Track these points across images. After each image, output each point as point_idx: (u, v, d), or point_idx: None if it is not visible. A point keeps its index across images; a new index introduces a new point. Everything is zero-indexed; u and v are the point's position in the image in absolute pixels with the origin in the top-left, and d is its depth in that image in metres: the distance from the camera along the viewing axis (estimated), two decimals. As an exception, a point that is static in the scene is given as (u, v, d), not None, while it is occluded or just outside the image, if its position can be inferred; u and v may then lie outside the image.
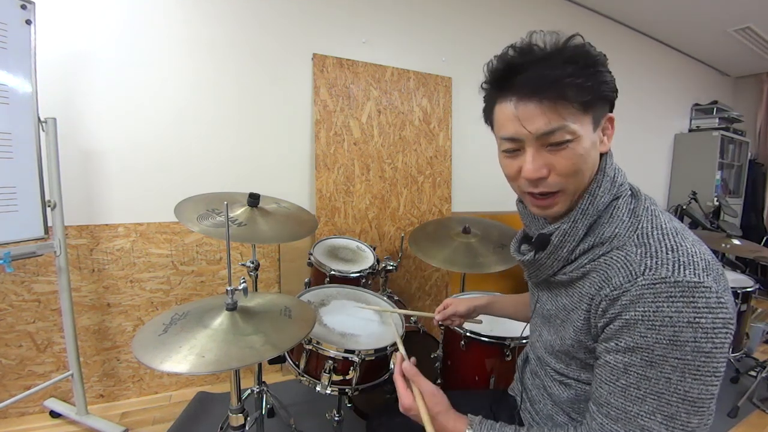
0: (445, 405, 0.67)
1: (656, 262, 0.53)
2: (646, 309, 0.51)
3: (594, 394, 0.59)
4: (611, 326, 0.55)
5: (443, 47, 2.40)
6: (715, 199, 3.65)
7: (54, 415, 1.61)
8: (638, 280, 0.52)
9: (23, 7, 1.24)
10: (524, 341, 1.18)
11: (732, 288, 1.92)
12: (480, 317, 1.11)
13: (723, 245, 2.18)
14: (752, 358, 2.35)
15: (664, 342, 0.49)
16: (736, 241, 2.19)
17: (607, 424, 0.55)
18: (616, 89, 0.60)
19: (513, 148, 0.61)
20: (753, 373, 2.14)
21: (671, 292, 0.50)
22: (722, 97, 4.24)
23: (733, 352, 2.02)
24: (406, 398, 0.67)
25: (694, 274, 0.50)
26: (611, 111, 0.62)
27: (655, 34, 3.49)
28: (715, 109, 3.91)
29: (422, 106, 2.33)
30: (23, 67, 1.25)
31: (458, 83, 2.43)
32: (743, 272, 2.75)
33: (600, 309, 0.56)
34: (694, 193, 3.41)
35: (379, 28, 2.20)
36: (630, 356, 0.52)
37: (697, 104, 4.07)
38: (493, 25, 2.57)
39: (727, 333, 0.49)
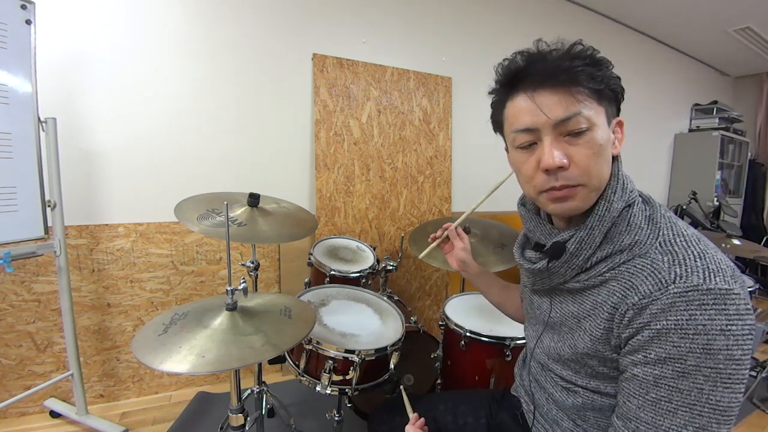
0: None
1: (686, 270, 0.52)
2: (678, 317, 0.49)
3: (621, 408, 0.57)
4: (638, 337, 0.53)
5: (443, 47, 2.40)
6: (715, 199, 3.65)
7: (54, 415, 1.61)
8: (670, 288, 0.51)
9: (23, 7, 1.24)
10: (523, 341, 1.18)
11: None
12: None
13: (723, 245, 2.17)
14: (752, 358, 2.35)
15: (698, 351, 0.48)
16: (736, 241, 2.19)
17: None
18: (623, 89, 0.60)
19: (529, 140, 0.60)
20: (753, 373, 2.14)
21: (704, 299, 0.49)
22: (722, 97, 4.24)
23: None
24: None
25: (725, 281, 0.50)
26: (618, 115, 0.62)
27: (655, 34, 3.49)
28: (715, 109, 3.91)
29: (422, 106, 2.33)
30: (23, 67, 1.25)
31: (458, 83, 2.43)
32: (743, 272, 2.75)
33: (626, 319, 0.55)
34: (694, 193, 3.41)
35: (379, 28, 2.20)
36: (661, 368, 0.51)
37: (697, 104, 4.07)
38: (493, 26, 2.57)
39: (752, 338, 0.49)
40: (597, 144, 0.57)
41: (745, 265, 3.67)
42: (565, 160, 0.57)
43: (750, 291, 1.96)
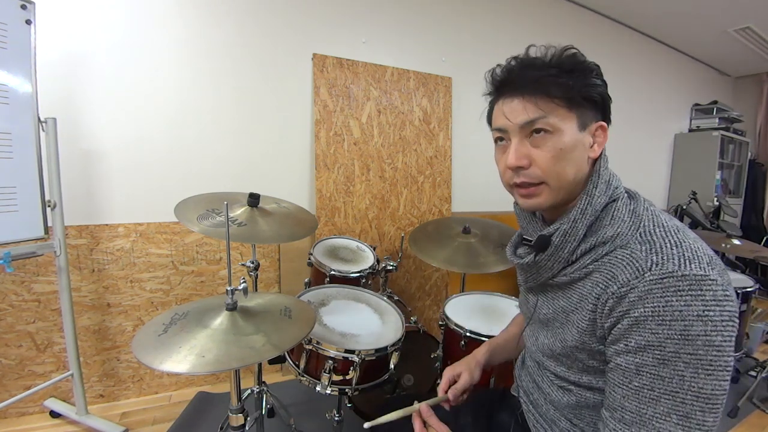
0: None
1: (662, 257, 0.53)
2: (655, 304, 0.50)
3: (607, 399, 0.58)
4: (619, 326, 0.54)
5: (443, 47, 2.40)
6: (715, 199, 3.65)
7: (54, 415, 1.61)
8: (645, 275, 0.52)
9: (23, 7, 1.24)
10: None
11: (732, 288, 1.96)
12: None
13: (723, 245, 2.17)
14: (752, 358, 2.35)
15: (676, 337, 0.49)
16: (736, 241, 2.19)
17: (621, 429, 0.54)
18: (607, 96, 0.63)
19: (500, 137, 0.68)
20: (753, 373, 2.14)
21: (679, 285, 0.50)
22: (722, 97, 4.24)
23: (733, 352, 2.03)
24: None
25: (700, 267, 0.51)
26: (605, 120, 0.64)
27: (655, 34, 3.49)
28: (715, 109, 3.91)
29: (422, 106, 2.33)
30: (23, 67, 1.25)
31: (458, 83, 2.43)
32: (743, 272, 2.75)
33: (607, 308, 0.56)
34: (694, 193, 3.40)
35: (379, 28, 2.20)
36: (642, 356, 0.52)
37: (697, 104, 4.07)
38: (493, 26, 2.57)
39: (734, 326, 0.49)
40: (558, 148, 0.61)
41: (745, 265, 3.67)
42: (524, 161, 0.63)
43: (749, 291, 1.96)
